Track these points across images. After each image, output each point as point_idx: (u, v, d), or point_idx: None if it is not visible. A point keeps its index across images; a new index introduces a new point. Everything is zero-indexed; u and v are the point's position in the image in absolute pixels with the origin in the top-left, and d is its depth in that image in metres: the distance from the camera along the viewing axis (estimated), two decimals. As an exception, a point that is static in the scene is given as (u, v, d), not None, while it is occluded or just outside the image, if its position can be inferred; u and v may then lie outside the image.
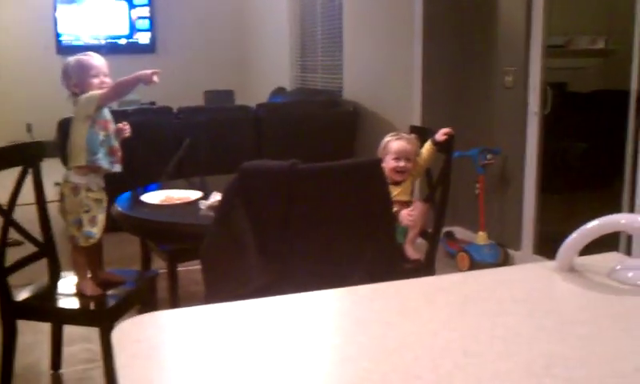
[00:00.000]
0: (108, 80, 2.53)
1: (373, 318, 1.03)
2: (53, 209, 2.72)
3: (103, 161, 2.49)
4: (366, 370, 0.86)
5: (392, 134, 2.92)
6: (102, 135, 2.49)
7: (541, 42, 4.07)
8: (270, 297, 1.11)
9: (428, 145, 2.85)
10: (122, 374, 0.85)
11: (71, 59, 2.54)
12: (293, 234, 2.03)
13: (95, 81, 2.50)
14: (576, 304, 1.10)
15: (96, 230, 2.53)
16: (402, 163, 2.78)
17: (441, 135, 2.82)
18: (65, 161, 2.68)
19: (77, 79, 2.50)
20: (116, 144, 2.56)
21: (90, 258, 2.61)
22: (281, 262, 2.01)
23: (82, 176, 2.50)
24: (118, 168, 2.57)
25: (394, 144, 2.81)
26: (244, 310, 1.07)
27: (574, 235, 1.22)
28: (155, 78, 2.47)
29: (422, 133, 2.99)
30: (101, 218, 2.55)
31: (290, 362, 0.89)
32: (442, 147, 2.83)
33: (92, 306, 2.55)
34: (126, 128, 2.62)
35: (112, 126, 2.56)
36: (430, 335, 0.96)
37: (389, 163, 2.79)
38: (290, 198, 2.01)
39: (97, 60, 2.54)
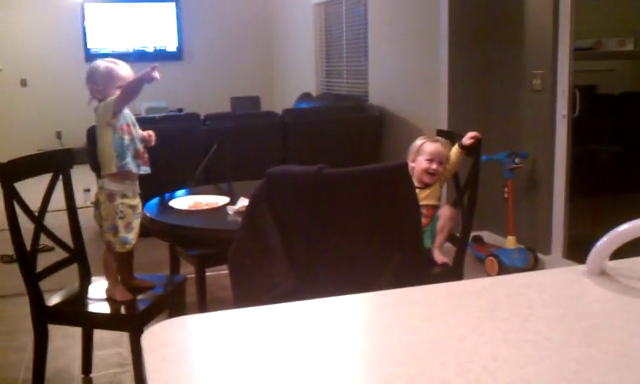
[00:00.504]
0: None
1: (399, 323, 1.03)
2: (83, 215, 2.76)
3: (132, 165, 2.52)
4: (392, 375, 0.85)
5: (424, 137, 2.92)
6: (127, 139, 2.52)
7: (568, 45, 4.02)
8: (297, 301, 1.11)
9: (455, 149, 2.84)
10: (151, 378, 0.85)
11: (100, 64, 2.55)
12: (319, 239, 2.03)
13: (119, 91, 2.52)
14: (607, 308, 1.09)
15: (132, 236, 2.57)
16: (434, 165, 2.78)
17: (468, 139, 2.80)
18: (94, 167, 2.72)
19: (102, 86, 2.52)
20: (141, 147, 2.58)
21: (122, 264, 2.64)
22: (307, 267, 2.02)
23: (117, 183, 2.53)
24: (146, 170, 2.60)
25: (429, 146, 2.81)
26: (271, 314, 1.07)
27: (605, 239, 1.20)
28: (155, 74, 2.47)
29: (449, 137, 2.98)
30: (136, 223, 2.59)
31: (317, 367, 0.89)
32: (470, 151, 2.82)
33: (122, 310, 2.58)
34: (152, 138, 2.64)
35: (136, 130, 2.58)
36: (458, 340, 0.95)
37: (421, 164, 2.78)
38: (316, 203, 2.01)
39: (124, 70, 2.56)
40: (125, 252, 2.59)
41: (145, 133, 2.63)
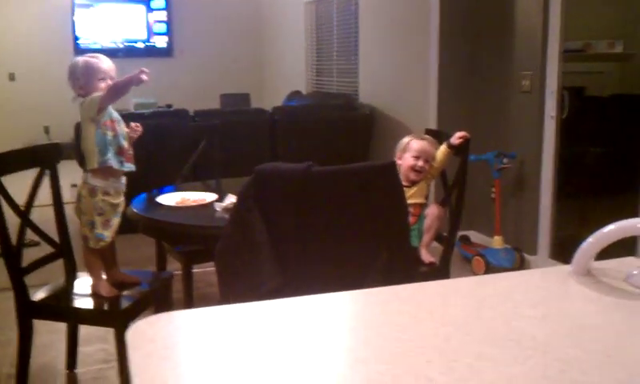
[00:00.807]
0: (110, 83, 2.53)
1: (386, 321, 1.03)
2: (69, 210, 2.74)
3: (113, 161, 2.50)
4: (378, 373, 0.85)
5: (411, 135, 2.94)
6: (109, 135, 2.50)
7: (558, 46, 4.04)
8: (284, 298, 1.11)
9: (443, 147, 2.85)
10: (135, 373, 0.85)
11: (79, 60, 2.53)
12: (307, 236, 2.03)
13: (102, 84, 2.50)
14: (592, 308, 1.09)
15: (108, 234, 2.55)
16: (420, 163, 2.79)
17: (456, 139, 2.82)
18: (81, 163, 2.70)
19: (84, 81, 2.50)
20: (125, 144, 2.56)
21: (104, 259, 2.63)
22: (295, 264, 2.01)
23: (100, 179, 2.51)
24: (130, 167, 2.57)
25: (416, 143, 2.82)
26: (257, 311, 1.07)
27: (590, 239, 1.21)
28: (144, 77, 2.46)
29: (438, 136, 2.99)
30: (115, 221, 2.57)
31: (303, 364, 0.89)
32: (458, 150, 2.83)
33: (107, 306, 2.57)
34: (138, 128, 2.63)
35: (120, 126, 2.56)
36: (444, 338, 0.96)
37: (407, 161, 2.80)
38: (304, 201, 2.01)
39: (105, 63, 2.54)
40: (100, 248, 2.57)
41: (131, 124, 2.62)
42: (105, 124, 2.50)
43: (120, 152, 2.54)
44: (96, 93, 2.49)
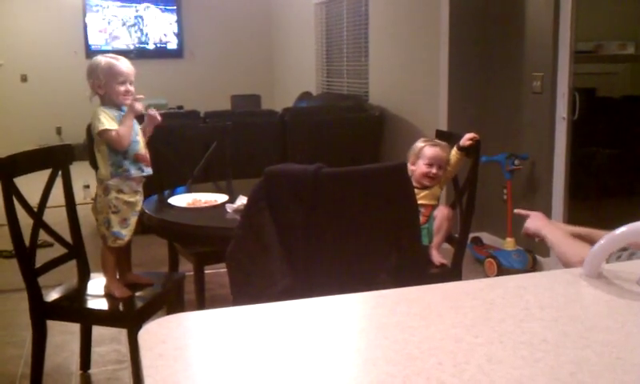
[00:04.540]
0: (132, 88, 2.54)
1: (396, 322, 1.03)
2: (82, 211, 2.76)
3: (132, 169, 2.52)
4: (388, 375, 0.86)
5: (425, 139, 2.93)
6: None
7: (569, 47, 4.03)
8: (294, 300, 1.11)
9: (454, 151, 2.84)
10: (147, 374, 0.86)
11: (101, 60, 2.53)
12: (317, 238, 2.03)
13: (121, 88, 2.50)
14: (603, 311, 1.09)
15: (125, 232, 2.56)
16: (434, 170, 2.79)
17: (466, 140, 2.81)
18: (93, 164, 2.72)
19: (104, 80, 2.50)
20: (142, 151, 2.57)
21: (119, 260, 2.64)
22: (305, 265, 2.02)
23: (117, 179, 2.52)
24: (148, 171, 2.59)
25: (430, 150, 2.81)
26: (268, 312, 1.08)
27: (602, 242, 1.20)
28: (137, 106, 2.51)
29: (449, 138, 2.99)
30: (133, 220, 2.58)
31: (313, 366, 0.90)
32: (468, 152, 2.82)
33: (120, 307, 2.58)
34: (157, 116, 2.64)
35: (134, 134, 2.55)
36: (454, 340, 0.96)
37: (421, 168, 2.79)
38: (314, 202, 2.02)
39: (126, 66, 2.54)
40: (118, 247, 2.58)
41: (149, 110, 2.63)
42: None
43: (138, 159, 2.55)
44: (116, 96, 2.50)
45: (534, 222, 2.13)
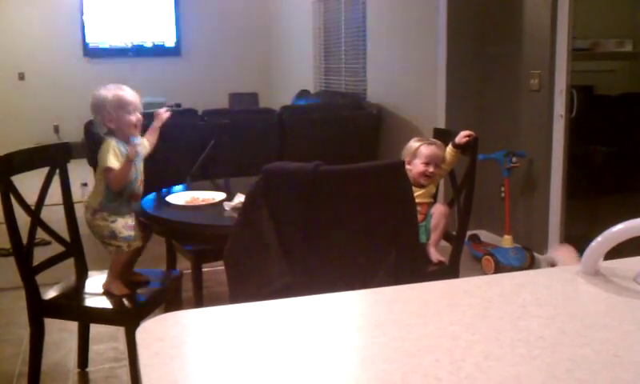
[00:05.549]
0: (140, 116, 2.58)
1: (393, 320, 1.03)
2: (79, 209, 2.75)
3: (122, 207, 2.57)
4: (386, 372, 0.86)
5: (419, 138, 2.93)
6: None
7: (566, 45, 4.03)
8: (292, 298, 1.11)
9: (449, 148, 2.85)
10: (144, 372, 0.86)
11: (107, 94, 2.54)
12: (315, 235, 2.03)
13: (132, 118, 2.54)
14: (600, 308, 1.09)
15: (133, 233, 2.58)
16: (431, 169, 2.80)
17: (461, 138, 2.82)
18: (91, 162, 2.72)
19: (115, 114, 2.52)
20: (137, 190, 2.62)
21: (128, 261, 2.65)
22: (303, 263, 2.02)
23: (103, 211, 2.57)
24: (136, 206, 2.67)
25: (426, 149, 2.82)
26: (266, 310, 1.08)
27: (599, 239, 1.20)
28: (139, 149, 2.55)
29: (447, 136, 2.99)
30: (130, 221, 2.58)
31: (311, 363, 0.90)
32: (465, 149, 2.83)
33: (118, 305, 2.58)
34: (166, 114, 2.71)
35: (136, 165, 2.58)
36: (452, 338, 0.96)
37: (417, 167, 2.80)
38: (312, 200, 2.02)
39: (132, 95, 2.57)
40: (134, 250, 2.60)
41: (161, 110, 2.64)
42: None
43: (132, 197, 2.61)
44: (128, 128, 2.53)
45: (560, 252, 2.14)
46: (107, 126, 2.53)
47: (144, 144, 2.67)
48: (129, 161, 2.50)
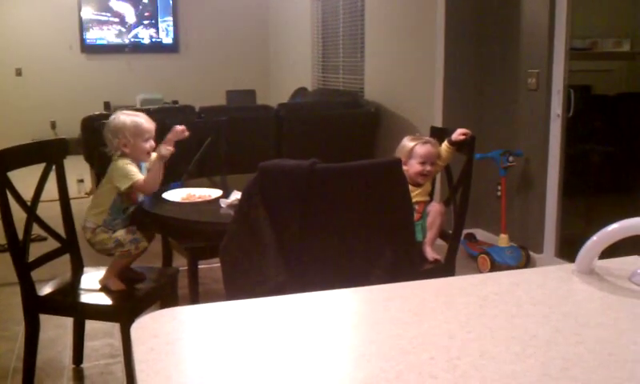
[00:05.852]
0: (153, 143, 2.63)
1: (389, 318, 1.04)
2: (75, 205, 2.75)
3: (120, 225, 2.61)
4: (381, 370, 0.86)
5: (411, 137, 2.92)
6: (126, 203, 2.62)
7: (564, 44, 4.03)
8: (288, 295, 1.11)
9: (445, 145, 2.85)
10: (139, 368, 0.86)
11: (126, 120, 2.60)
12: (312, 233, 2.03)
13: (147, 146, 2.60)
14: (595, 307, 1.10)
15: (138, 235, 2.62)
16: (428, 167, 2.80)
17: (458, 135, 2.82)
18: (87, 158, 2.72)
19: (132, 140, 2.58)
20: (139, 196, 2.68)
21: (132, 258, 2.67)
22: (299, 261, 2.02)
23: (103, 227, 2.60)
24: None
25: (422, 148, 2.82)
26: (261, 307, 1.08)
27: (594, 238, 1.21)
28: (164, 151, 2.60)
29: (444, 134, 2.99)
30: (131, 226, 2.62)
31: (306, 361, 0.90)
32: (460, 147, 2.83)
33: (113, 301, 2.58)
34: (185, 133, 2.72)
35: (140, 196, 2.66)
36: (447, 336, 0.96)
37: (414, 167, 2.80)
38: (308, 198, 2.02)
39: (149, 123, 2.63)
40: (143, 249, 2.64)
41: (176, 127, 2.68)
42: (128, 194, 2.60)
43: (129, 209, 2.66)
44: (142, 155, 2.59)
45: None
46: (122, 150, 2.59)
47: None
48: (161, 158, 2.57)
